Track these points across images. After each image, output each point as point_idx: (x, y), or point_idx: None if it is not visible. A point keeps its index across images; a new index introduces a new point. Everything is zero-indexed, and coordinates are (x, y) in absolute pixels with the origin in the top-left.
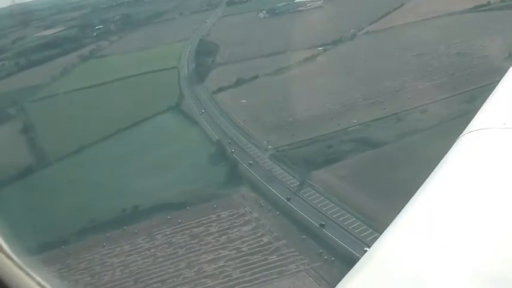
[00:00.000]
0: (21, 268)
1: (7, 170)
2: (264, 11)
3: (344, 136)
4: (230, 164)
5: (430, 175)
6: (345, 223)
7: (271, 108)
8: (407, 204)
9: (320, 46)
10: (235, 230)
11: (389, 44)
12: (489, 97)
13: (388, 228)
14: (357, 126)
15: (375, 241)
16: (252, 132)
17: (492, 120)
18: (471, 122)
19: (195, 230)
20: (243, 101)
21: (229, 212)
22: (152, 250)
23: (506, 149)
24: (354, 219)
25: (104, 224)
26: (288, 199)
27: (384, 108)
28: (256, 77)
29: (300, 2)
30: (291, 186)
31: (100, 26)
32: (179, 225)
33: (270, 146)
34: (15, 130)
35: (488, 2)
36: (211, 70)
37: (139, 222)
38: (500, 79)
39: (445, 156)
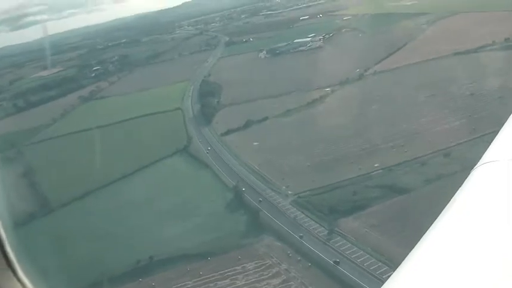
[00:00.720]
0: None
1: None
2: (265, 51)
3: (368, 181)
4: (250, 211)
5: (444, 209)
6: (383, 276)
7: (285, 151)
8: (421, 240)
9: (327, 87)
10: (265, 283)
11: (400, 85)
12: (502, 129)
13: (402, 264)
14: (380, 171)
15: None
16: (269, 177)
17: (506, 153)
18: (484, 155)
19: (219, 282)
20: (255, 143)
21: (255, 263)
22: None
23: None
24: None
25: (117, 276)
26: (319, 249)
27: (406, 152)
28: (265, 118)
29: (300, 42)
30: (320, 235)
31: (98, 67)
32: (201, 278)
33: (290, 192)
34: (14, 174)
35: (493, 42)
36: (218, 111)
37: (156, 275)
38: None
39: (459, 189)
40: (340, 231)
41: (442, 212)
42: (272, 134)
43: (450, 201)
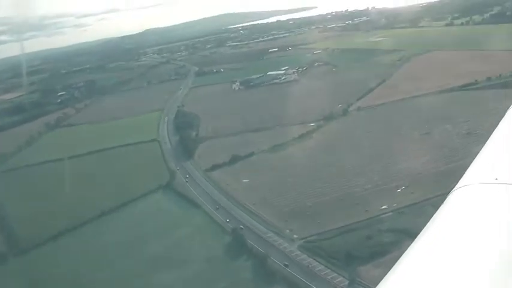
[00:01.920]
0: None
1: None
2: (238, 83)
3: (379, 225)
4: (254, 258)
5: (422, 231)
6: None
7: (280, 189)
8: (398, 262)
9: (311, 122)
10: None
11: (390, 122)
12: (480, 152)
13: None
14: (390, 213)
15: None
16: (268, 218)
17: (484, 175)
18: (463, 177)
19: None
20: (245, 180)
21: None
22: None
23: (497, 204)
24: None
25: None
26: None
27: (412, 193)
28: (252, 153)
29: (273, 74)
30: (340, 286)
31: (63, 92)
32: None
33: (295, 236)
34: None
35: (476, 81)
36: (198, 144)
37: None
38: None
39: (437, 211)
40: (362, 282)
41: (422, 232)
42: (262, 171)
43: (429, 222)
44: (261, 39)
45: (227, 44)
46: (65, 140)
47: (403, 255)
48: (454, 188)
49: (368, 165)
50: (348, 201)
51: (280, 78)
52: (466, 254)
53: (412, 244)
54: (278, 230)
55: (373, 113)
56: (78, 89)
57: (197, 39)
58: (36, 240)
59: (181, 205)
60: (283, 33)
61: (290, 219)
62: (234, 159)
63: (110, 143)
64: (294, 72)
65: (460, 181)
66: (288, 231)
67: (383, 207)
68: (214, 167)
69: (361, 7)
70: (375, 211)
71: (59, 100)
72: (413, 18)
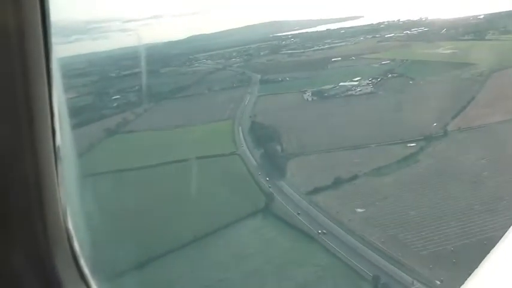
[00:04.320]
0: None
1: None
2: (309, 93)
3: None
4: None
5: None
6: None
7: (405, 225)
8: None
9: (410, 141)
10: None
11: (502, 146)
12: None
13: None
14: None
15: None
16: (406, 262)
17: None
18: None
19: None
20: (360, 210)
21: None
22: None
23: None
24: None
25: None
26: None
27: None
28: (355, 176)
29: (346, 85)
30: None
31: (118, 96)
32: None
33: None
34: None
35: None
36: (287, 161)
37: None
38: None
39: None
40: None
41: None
42: (374, 199)
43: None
44: (316, 47)
45: (282, 52)
46: (129, 147)
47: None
48: None
49: (499, 199)
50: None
51: (354, 89)
52: None
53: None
54: (426, 281)
55: (478, 136)
56: (133, 93)
57: (247, 46)
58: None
59: (292, 237)
60: (338, 42)
61: (434, 265)
62: (337, 182)
63: (182, 153)
64: (368, 83)
65: None
66: (438, 282)
67: None
68: (316, 190)
69: (413, 17)
70: None
71: (115, 104)
72: (476, 30)
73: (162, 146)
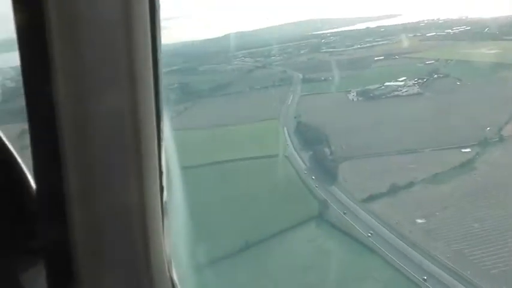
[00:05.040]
0: None
1: None
2: (354, 93)
3: None
4: None
5: None
6: None
7: (470, 239)
8: None
9: (465, 146)
10: None
11: None
12: None
13: None
14: None
15: None
16: (478, 282)
17: None
18: None
19: None
20: (420, 220)
21: None
22: None
23: None
24: None
25: None
26: None
27: None
28: (411, 183)
29: (392, 85)
30: None
31: None
32: None
33: None
34: None
35: None
36: (338, 165)
37: None
38: None
39: None
40: None
41: None
42: (434, 208)
43: None
44: (357, 46)
45: (322, 50)
46: (170, 147)
47: None
48: None
49: None
50: None
51: (401, 90)
52: None
53: None
54: None
55: None
56: (172, 91)
57: (286, 44)
58: None
59: (350, 248)
60: (379, 41)
61: (509, 286)
62: (393, 190)
63: (228, 153)
64: (414, 84)
65: None
66: None
67: None
68: (371, 198)
69: (453, 16)
70: None
71: None
72: None
73: (204, 146)
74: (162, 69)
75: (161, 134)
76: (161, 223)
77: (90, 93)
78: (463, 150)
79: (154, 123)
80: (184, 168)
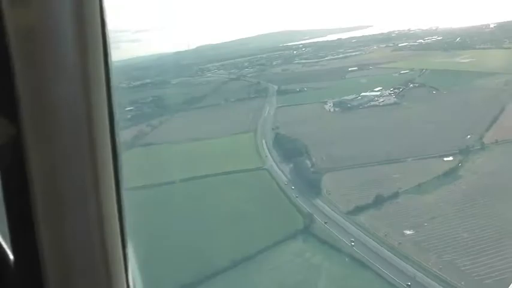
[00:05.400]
0: None
1: None
2: (331, 104)
3: None
4: None
5: None
6: None
7: (460, 249)
8: None
9: (447, 155)
10: None
11: None
12: None
13: None
14: None
15: None
16: None
17: None
18: None
19: None
20: (408, 232)
21: None
22: None
23: None
24: None
25: None
26: None
27: None
28: (396, 194)
29: (368, 95)
30: None
31: (131, 107)
32: None
33: None
34: None
35: None
36: (320, 177)
37: None
38: None
39: None
40: None
41: None
42: (420, 219)
43: None
44: (330, 57)
45: (295, 62)
46: (148, 161)
47: None
48: None
49: None
50: None
51: (377, 100)
52: None
53: None
54: None
55: None
56: (147, 105)
57: (259, 56)
58: None
59: (339, 262)
60: (352, 52)
61: None
62: (378, 201)
63: (205, 168)
64: (390, 93)
65: None
66: None
67: None
68: (357, 210)
69: (423, 26)
70: None
71: (129, 116)
72: (492, 39)
73: (182, 160)
74: (115, 82)
75: (117, 149)
76: (121, 252)
77: (45, 106)
78: (445, 159)
79: (109, 141)
80: (159, 185)
